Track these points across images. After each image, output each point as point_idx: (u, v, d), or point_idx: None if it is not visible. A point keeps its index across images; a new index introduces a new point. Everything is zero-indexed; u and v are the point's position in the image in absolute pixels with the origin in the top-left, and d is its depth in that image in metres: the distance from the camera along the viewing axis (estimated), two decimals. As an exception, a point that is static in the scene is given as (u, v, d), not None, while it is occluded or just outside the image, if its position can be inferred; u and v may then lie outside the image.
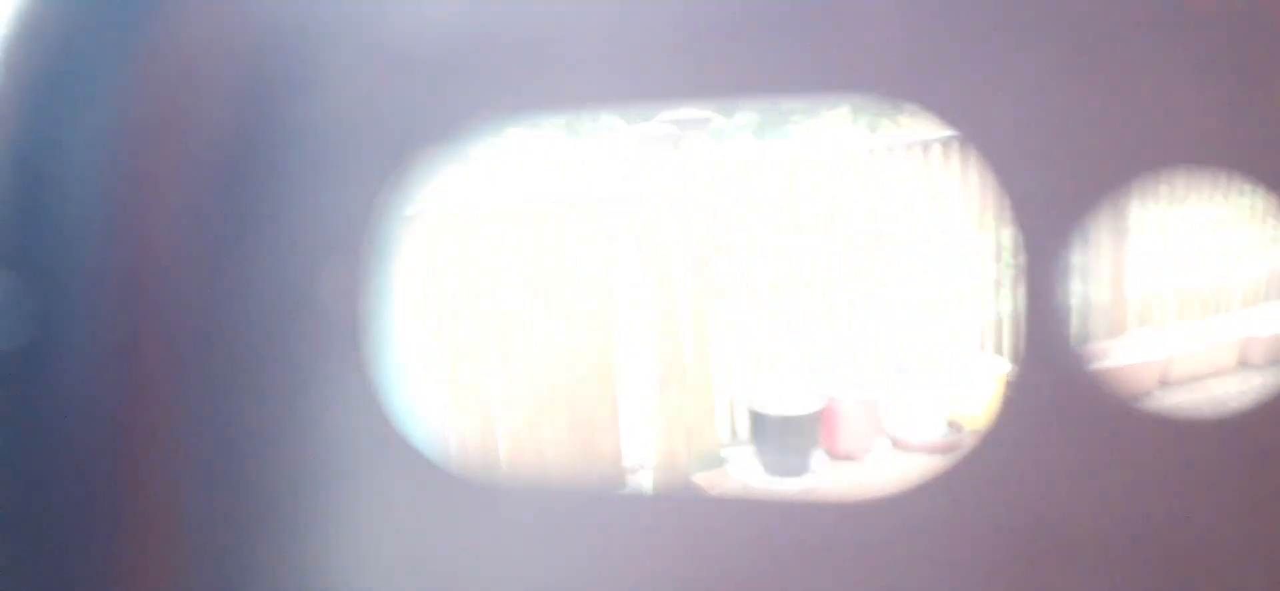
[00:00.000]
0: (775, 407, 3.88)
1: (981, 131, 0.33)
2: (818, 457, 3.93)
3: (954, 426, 4.07)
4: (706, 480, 3.93)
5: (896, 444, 4.07)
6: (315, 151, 0.37)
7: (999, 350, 4.48)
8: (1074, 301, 0.33)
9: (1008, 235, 0.34)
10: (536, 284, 3.82)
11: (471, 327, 3.74)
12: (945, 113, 0.33)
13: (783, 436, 3.84)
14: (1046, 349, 0.33)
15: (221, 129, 0.37)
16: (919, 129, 4.31)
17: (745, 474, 3.94)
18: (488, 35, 0.35)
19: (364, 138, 0.36)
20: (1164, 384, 4.56)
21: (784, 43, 0.33)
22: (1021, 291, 0.33)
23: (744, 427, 4.10)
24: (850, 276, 4.36)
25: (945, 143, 4.28)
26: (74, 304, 0.38)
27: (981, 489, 0.34)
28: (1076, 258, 0.33)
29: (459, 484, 0.39)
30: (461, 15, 0.35)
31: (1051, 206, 0.33)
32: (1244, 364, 4.75)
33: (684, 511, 0.38)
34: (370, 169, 0.36)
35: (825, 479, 3.85)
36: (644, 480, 4.01)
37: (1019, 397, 0.34)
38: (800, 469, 3.86)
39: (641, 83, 0.34)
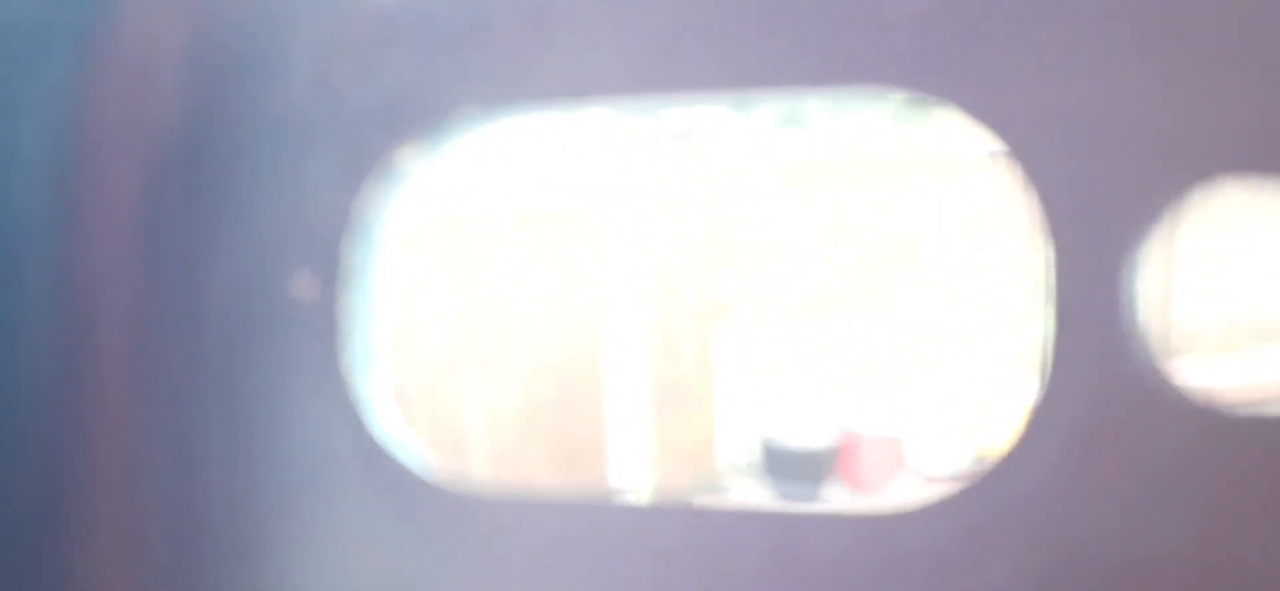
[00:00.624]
0: (790, 439, 3.74)
1: (1011, 128, 0.33)
2: (833, 490, 3.75)
3: (980, 461, 3.90)
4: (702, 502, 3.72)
5: (918, 477, 3.90)
6: (289, 145, 0.35)
7: (1031, 381, 4.31)
8: (1116, 311, 0.32)
9: (1042, 257, 0.33)
10: (523, 291, 3.71)
11: (453, 336, 3.64)
12: (973, 107, 0.33)
13: (797, 469, 3.69)
14: (1079, 359, 0.33)
15: (189, 120, 0.36)
16: (949, 139, 4.18)
17: (748, 503, 3.78)
18: (478, 18, 0.32)
19: (342, 128, 0.34)
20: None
21: (810, 34, 0.33)
22: (1054, 295, 0.33)
23: (747, 454, 3.93)
24: (871, 294, 4.19)
25: (976, 156, 4.15)
26: (35, 302, 0.37)
27: (1002, 509, 0.34)
28: (1114, 261, 0.32)
29: (432, 492, 0.39)
30: (450, 5, 0.33)
31: (1084, 201, 0.32)
32: (1295, 402, 4.63)
33: (674, 525, 0.38)
34: (348, 162, 0.34)
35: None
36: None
37: (1046, 414, 0.34)
38: (814, 501, 3.73)
39: (649, 74, 0.32)
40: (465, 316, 3.66)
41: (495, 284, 3.66)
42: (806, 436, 3.73)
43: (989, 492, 0.35)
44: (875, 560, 0.35)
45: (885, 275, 4.22)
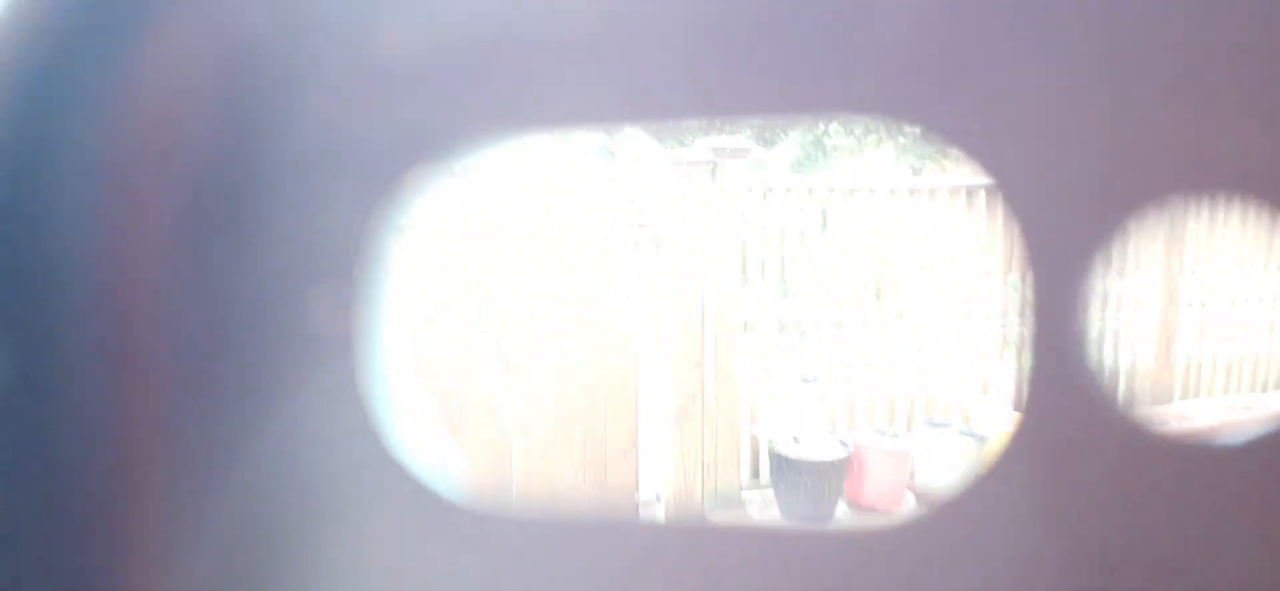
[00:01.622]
0: (800, 451, 3.78)
1: (993, 156, 0.32)
2: (841, 507, 3.81)
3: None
4: (723, 519, 3.82)
5: (923, 497, 3.94)
6: (309, 167, 0.36)
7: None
8: (1098, 347, 0.29)
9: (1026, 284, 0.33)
10: (557, 306, 3.76)
11: (488, 347, 3.69)
12: (953, 134, 0.32)
13: (806, 482, 3.73)
14: (1057, 383, 0.33)
15: (212, 147, 0.37)
16: (963, 173, 4.23)
17: (764, 516, 3.83)
18: (484, 50, 0.34)
19: (359, 153, 0.35)
20: None
21: (792, 60, 0.33)
22: (1032, 327, 0.33)
23: (765, 468, 3.99)
24: (885, 319, 4.26)
25: (989, 189, 4.17)
26: (62, 321, 0.37)
27: (994, 523, 0.34)
28: (1090, 290, 0.32)
29: (453, 510, 0.38)
30: (458, 31, 0.34)
31: (1061, 230, 0.32)
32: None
33: (699, 542, 0.37)
34: (366, 185, 0.35)
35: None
36: (657, 514, 3.91)
37: (1031, 429, 0.33)
38: (823, 517, 3.74)
39: (642, 100, 0.33)
40: (502, 330, 3.72)
41: (531, 298, 3.74)
42: (816, 450, 3.76)
43: (965, 507, 0.34)
44: (856, 572, 0.35)
45: (898, 298, 4.28)
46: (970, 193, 4.21)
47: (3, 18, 0.35)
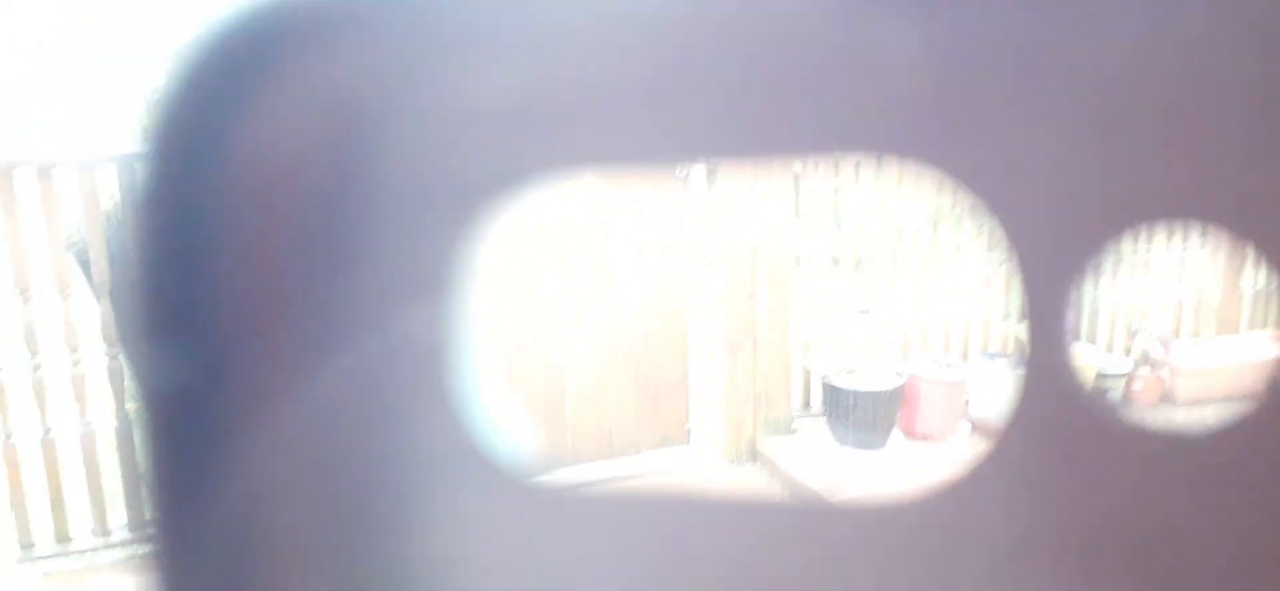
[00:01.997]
0: (853, 382, 3.78)
1: (995, 196, 0.34)
2: (895, 436, 3.82)
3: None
4: (775, 448, 3.86)
5: (978, 427, 3.93)
6: (402, 208, 0.41)
7: (1090, 336, 4.32)
8: (1073, 350, 0.33)
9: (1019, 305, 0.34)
10: (608, 242, 3.80)
11: (541, 284, 3.75)
12: (957, 172, 0.34)
13: (859, 412, 3.73)
14: (1043, 383, 0.33)
15: (325, 187, 0.42)
16: None
17: (816, 445, 3.85)
18: (550, 100, 0.38)
19: (444, 192, 0.41)
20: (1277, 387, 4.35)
21: (808, 109, 0.35)
22: (1027, 337, 0.34)
23: (817, 397, 4.01)
24: (940, 250, 4.22)
25: None
26: (205, 330, 0.42)
27: (991, 501, 0.34)
28: (1077, 307, 0.33)
29: (529, 491, 0.42)
30: (531, 80, 0.39)
31: (1062, 266, 0.33)
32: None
33: (759, 515, 0.38)
34: (450, 219, 0.40)
35: (902, 458, 3.74)
36: (709, 442, 3.96)
37: (1028, 411, 0.34)
38: (876, 445, 3.76)
39: (682, 144, 0.37)
40: (554, 266, 3.76)
41: (583, 237, 3.77)
42: (869, 380, 3.75)
43: (961, 490, 0.35)
44: (864, 547, 0.36)
45: (952, 229, 4.23)
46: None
47: (159, 83, 0.39)
